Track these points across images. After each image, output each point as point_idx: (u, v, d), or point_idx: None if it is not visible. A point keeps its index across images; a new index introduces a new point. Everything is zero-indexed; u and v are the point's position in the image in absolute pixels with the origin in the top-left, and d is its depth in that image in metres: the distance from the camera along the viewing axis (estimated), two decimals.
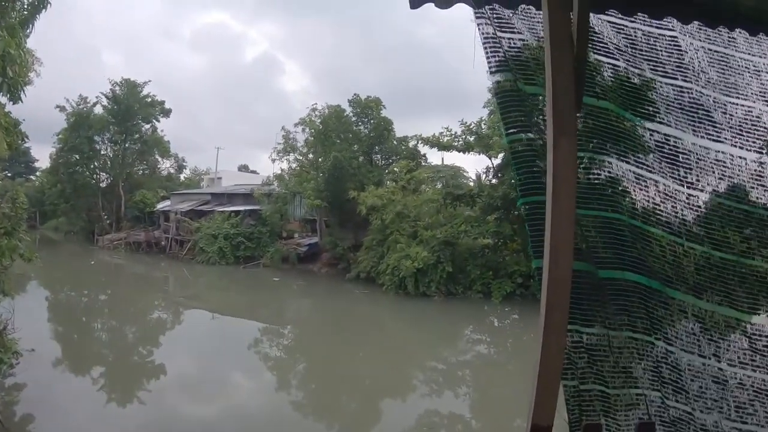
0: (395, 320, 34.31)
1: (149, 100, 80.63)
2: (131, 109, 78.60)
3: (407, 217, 40.62)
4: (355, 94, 51.24)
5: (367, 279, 41.92)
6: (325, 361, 24.93)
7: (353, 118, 51.46)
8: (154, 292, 47.84)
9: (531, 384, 2.44)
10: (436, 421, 17.14)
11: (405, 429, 16.24)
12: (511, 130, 2.65)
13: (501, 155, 34.94)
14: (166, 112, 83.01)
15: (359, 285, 42.45)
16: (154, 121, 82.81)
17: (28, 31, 11.79)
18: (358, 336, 29.19)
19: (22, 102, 11.22)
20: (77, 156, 78.91)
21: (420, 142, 41.08)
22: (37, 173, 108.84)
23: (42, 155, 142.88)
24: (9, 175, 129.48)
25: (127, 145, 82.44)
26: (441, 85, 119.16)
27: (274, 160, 56.83)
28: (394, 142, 51.21)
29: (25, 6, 11.31)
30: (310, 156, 53.47)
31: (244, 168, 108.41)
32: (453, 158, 63.41)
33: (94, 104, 78.35)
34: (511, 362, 24.29)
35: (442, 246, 36.26)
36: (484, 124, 36.33)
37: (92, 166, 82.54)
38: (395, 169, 46.46)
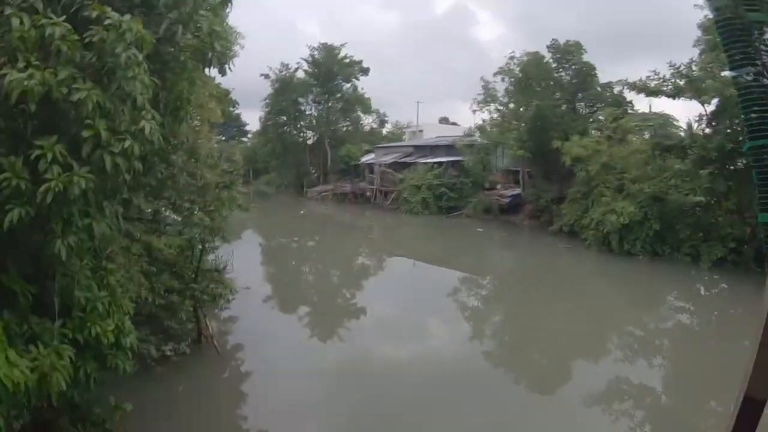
0: (596, 278, 33.34)
1: (347, 61, 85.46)
2: (331, 71, 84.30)
3: (613, 169, 38.65)
4: (553, 39, 49.04)
5: (570, 233, 40.98)
6: (521, 315, 25.22)
7: (553, 65, 49.38)
8: (359, 239, 50.63)
9: (749, 354, 2.18)
10: (624, 389, 16.73)
11: (592, 393, 16.06)
12: (736, 64, 2.40)
13: (715, 101, 31.52)
14: (365, 71, 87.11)
15: (562, 238, 41.67)
16: (353, 80, 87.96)
17: (227, 10, 13.01)
18: (556, 292, 28.85)
19: (231, 71, 12.46)
20: (284, 117, 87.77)
21: (625, 87, 38.38)
22: (249, 135, 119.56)
23: (251, 119, 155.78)
24: (224, 138, 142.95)
25: (330, 105, 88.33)
26: (646, 25, 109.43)
27: (474, 111, 56.54)
28: (598, 88, 48.44)
29: None
30: (511, 106, 52.55)
31: (444, 120, 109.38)
32: (662, 105, 59.11)
33: (296, 70, 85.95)
34: (714, 337, 22.63)
35: (649, 201, 34.15)
36: (695, 65, 32.71)
37: (298, 126, 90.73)
38: (600, 117, 44.10)
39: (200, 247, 18.14)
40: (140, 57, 9.59)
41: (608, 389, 16.60)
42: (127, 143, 10.03)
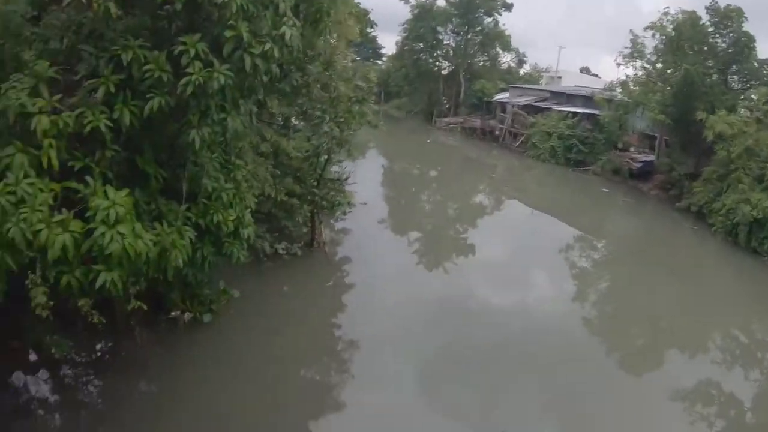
0: (714, 269, 31.34)
1: None
2: (473, 2, 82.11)
3: (757, 156, 35.53)
4: (713, 1, 44.70)
5: (698, 214, 38.35)
6: (629, 289, 24.53)
7: (709, 29, 45.20)
8: (481, 176, 50.49)
9: None
10: (712, 394, 16.16)
11: (677, 388, 15.72)
12: None
13: None
14: (508, 7, 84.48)
15: (688, 218, 39.27)
16: (495, 14, 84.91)
17: None
18: (670, 272, 27.63)
19: None
20: (421, 44, 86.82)
21: None
22: (383, 58, 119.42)
23: (387, 43, 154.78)
24: (358, 58, 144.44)
25: (468, 37, 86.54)
26: None
27: (618, 65, 53.31)
28: (755, 63, 44.05)
29: None
30: (658, 65, 49.28)
31: (585, 70, 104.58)
32: None
33: None
34: None
35: None
36: None
37: (435, 54, 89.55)
38: (753, 95, 40.57)
39: (325, 156, 18.78)
40: None
41: (695, 389, 16.05)
42: (267, 46, 10.48)
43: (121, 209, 11.20)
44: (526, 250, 26.62)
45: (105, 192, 11.41)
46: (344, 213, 23.69)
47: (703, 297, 25.05)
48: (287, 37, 10.42)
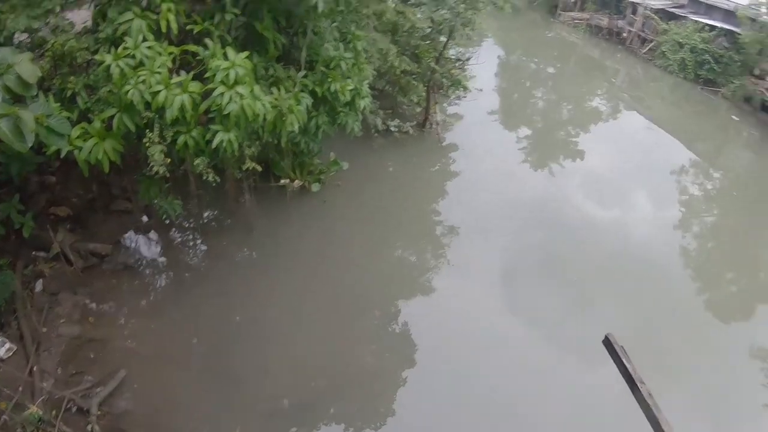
0: None
1: None
2: None
3: None
4: None
5: None
6: (734, 229, 22.29)
7: None
8: (600, 80, 47.87)
9: None
10: None
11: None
12: None
13: None
14: None
15: None
16: None
17: None
18: None
19: None
20: None
21: None
22: None
23: None
24: None
25: None
26: None
27: None
28: None
29: None
30: None
31: None
32: None
33: None
34: None
35: None
36: None
37: None
38: None
39: (445, 36, 18.02)
40: None
41: None
42: None
43: (241, 70, 11.24)
44: (635, 166, 25.06)
45: (224, 54, 11.44)
46: (459, 96, 23.14)
47: None
48: None
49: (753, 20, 48.78)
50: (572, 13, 75.19)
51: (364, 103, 13.37)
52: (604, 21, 69.00)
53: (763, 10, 48.15)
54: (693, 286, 17.57)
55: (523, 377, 13.16)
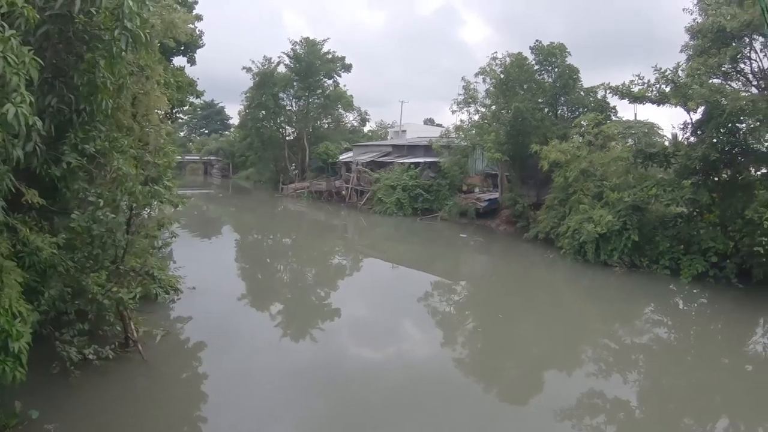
0: (570, 288, 31.97)
1: (329, 56, 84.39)
2: (312, 66, 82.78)
3: (593, 176, 37.43)
4: (537, 41, 48.19)
5: (546, 240, 39.79)
6: (493, 324, 24.06)
7: (536, 67, 48.29)
8: (332, 239, 49.41)
9: None
10: (597, 403, 15.75)
11: (563, 407, 15.07)
12: None
13: (701, 109, 30.18)
14: (347, 67, 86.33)
15: (537, 246, 40.53)
16: (335, 76, 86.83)
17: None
18: (529, 301, 27.80)
19: (196, 63, 11.44)
20: (263, 112, 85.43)
21: (608, 91, 36.99)
22: (231, 129, 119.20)
23: (234, 113, 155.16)
24: (206, 132, 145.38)
25: (310, 100, 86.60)
26: (632, 30, 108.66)
27: (453, 112, 55.27)
28: (581, 92, 47.38)
29: None
30: (492, 107, 51.09)
31: (429, 121, 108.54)
32: (646, 113, 57.94)
33: (278, 63, 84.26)
34: (691, 352, 21.61)
35: (629, 210, 32.53)
36: (682, 70, 31.10)
37: (278, 121, 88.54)
38: (582, 122, 42.47)
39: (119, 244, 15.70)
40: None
41: (580, 403, 15.55)
42: None
43: None
44: (389, 305, 25.86)
45: None
46: (173, 299, 21.52)
47: (565, 315, 25.44)
48: (9, 116, 8.13)
49: (447, 147, 54.71)
50: (293, 185, 78.64)
51: (19, 345, 10.86)
52: (322, 185, 73.27)
53: (453, 135, 54.28)
54: (480, 384, 17.62)
55: None
